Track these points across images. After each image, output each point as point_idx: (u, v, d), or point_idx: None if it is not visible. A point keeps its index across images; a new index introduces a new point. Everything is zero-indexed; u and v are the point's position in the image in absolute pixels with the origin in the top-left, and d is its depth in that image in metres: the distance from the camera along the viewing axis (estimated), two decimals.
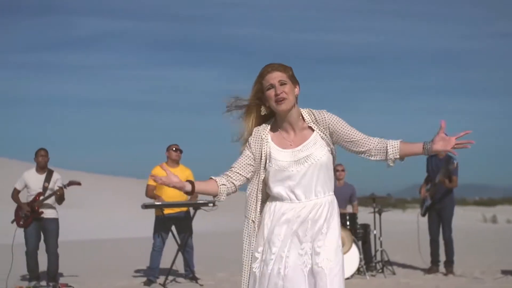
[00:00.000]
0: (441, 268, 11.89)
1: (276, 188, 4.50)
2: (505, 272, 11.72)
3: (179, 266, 11.48)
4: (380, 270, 11.61)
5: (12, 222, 10.66)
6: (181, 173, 11.18)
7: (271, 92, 4.43)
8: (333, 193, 4.58)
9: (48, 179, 10.54)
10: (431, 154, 4.44)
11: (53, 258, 10.48)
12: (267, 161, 4.52)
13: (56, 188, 10.45)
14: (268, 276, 4.39)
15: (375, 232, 11.93)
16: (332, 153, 4.55)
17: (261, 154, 4.54)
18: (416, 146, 4.46)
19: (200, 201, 10.86)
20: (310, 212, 4.46)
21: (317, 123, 4.51)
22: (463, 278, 11.25)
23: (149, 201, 10.97)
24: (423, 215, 12.07)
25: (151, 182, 11.11)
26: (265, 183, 4.57)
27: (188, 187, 4.48)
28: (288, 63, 4.55)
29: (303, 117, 4.54)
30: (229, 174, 4.60)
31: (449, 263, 11.70)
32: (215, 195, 4.58)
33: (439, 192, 11.77)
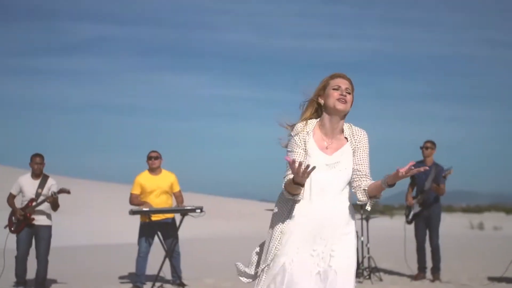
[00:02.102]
0: (428, 274, 11.91)
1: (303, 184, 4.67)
2: (491, 279, 11.76)
3: (166, 272, 11.46)
4: (368, 277, 11.61)
5: (5, 227, 10.63)
6: (165, 178, 11.15)
7: (335, 92, 4.73)
8: (349, 201, 4.86)
9: (42, 185, 10.48)
10: (388, 187, 4.70)
11: (43, 265, 10.43)
12: (306, 154, 4.73)
13: (49, 194, 10.40)
14: (277, 268, 4.63)
15: (362, 238, 11.93)
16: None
17: (305, 146, 4.74)
18: (379, 185, 4.75)
19: (188, 207, 10.84)
20: (326, 216, 4.69)
21: (353, 136, 4.80)
22: (450, 284, 11.28)
23: (136, 207, 10.94)
24: (410, 222, 12.09)
25: (135, 191, 11.07)
26: None
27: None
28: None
29: (342, 130, 4.81)
30: None
31: (436, 270, 11.72)
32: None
33: (428, 199, 11.81)
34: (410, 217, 12.00)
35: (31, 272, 10.60)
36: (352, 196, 4.91)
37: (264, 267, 4.71)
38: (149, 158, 11.12)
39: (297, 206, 4.71)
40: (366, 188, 4.78)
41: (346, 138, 4.80)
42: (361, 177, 4.78)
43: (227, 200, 48.32)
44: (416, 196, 11.96)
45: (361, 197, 4.81)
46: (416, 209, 11.89)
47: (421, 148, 11.91)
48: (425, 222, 11.87)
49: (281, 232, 4.69)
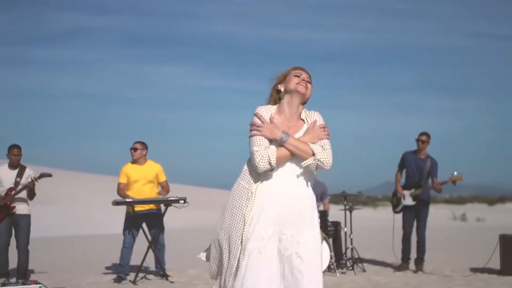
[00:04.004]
0: (411, 265, 11.95)
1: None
2: (474, 270, 11.83)
3: (150, 263, 11.45)
4: (351, 267, 11.65)
5: None
6: (150, 169, 11.14)
7: (296, 77, 4.85)
8: (311, 190, 4.87)
9: (20, 175, 10.45)
10: (282, 140, 4.71)
11: (23, 254, 10.39)
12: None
13: (28, 181, 10.36)
14: (247, 252, 4.61)
15: (345, 229, 11.97)
16: None
17: None
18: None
19: (172, 198, 10.84)
20: (291, 200, 4.71)
21: (308, 117, 4.90)
22: (432, 275, 11.33)
23: (119, 197, 10.93)
24: (398, 212, 12.02)
25: (122, 180, 11.06)
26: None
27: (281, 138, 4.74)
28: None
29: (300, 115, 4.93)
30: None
31: (419, 261, 11.76)
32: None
33: (425, 194, 11.83)
34: (400, 208, 11.96)
35: (12, 262, 10.55)
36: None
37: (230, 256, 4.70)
38: (130, 149, 11.12)
39: (261, 188, 4.73)
40: None
41: (303, 120, 4.91)
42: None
43: (211, 191, 48.28)
44: (407, 187, 11.92)
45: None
46: (409, 202, 11.84)
47: (417, 140, 11.87)
48: (414, 213, 11.87)
49: (243, 216, 4.69)
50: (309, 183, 4.83)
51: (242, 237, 4.66)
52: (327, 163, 4.73)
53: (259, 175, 4.73)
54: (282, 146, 4.68)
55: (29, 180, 10.35)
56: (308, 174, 4.81)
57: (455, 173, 11.51)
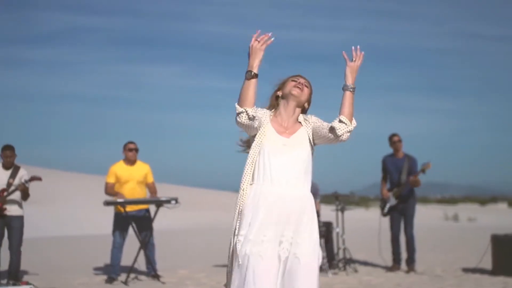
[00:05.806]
0: (403, 266, 11.95)
1: (263, 168, 4.77)
2: (466, 270, 11.84)
3: (141, 263, 11.41)
4: (343, 268, 11.62)
5: None
6: (139, 169, 11.12)
7: (292, 82, 4.92)
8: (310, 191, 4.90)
9: (13, 175, 10.36)
10: (352, 88, 4.82)
11: (16, 256, 10.30)
12: (263, 140, 4.81)
13: (21, 182, 10.29)
14: (246, 256, 4.60)
15: (337, 229, 11.94)
16: (312, 153, 4.93)
17: (262, 130, 4.83)
18: (343, 98, 4.83)
19: (163, 198, 10.80)
20: (291, 201, 4.73)
21: (305, 121, 4.93)
22: (424, 275, 11.32)
23: (110, 198, 10.89)
24: (386, 215, 12.08)
25: (110, 180, 11.02)
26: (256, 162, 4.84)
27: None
28: None
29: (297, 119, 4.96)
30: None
31: (410, 261, 11.76)
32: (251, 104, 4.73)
33: (404, 191, 11.85)
34: (386, 210, 12.02)
35: (3, 263, 10.49)
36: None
37: (232, 254, 4.76)
38: (130, 150, 11.06)
39: (259, 189, 4.75)
40: (338, 116, 4.82)
41: (300, 123, 4.93)
42: (331, 123, 4.84)
43: (202, 191, 48.25)
44: (391, 189, 11.98)
45: (339, 124, 4.79)
46: (392, 202, 11.91)
47: (392, 142, 11.97)
48: (400, 213, 11.90)
49: (240, 214, 4.75)
50: (307, 185, 4.87)
51: (235, 237, 4.72)
52: (348, 133, 4.79)
53: (253, 176, 4.79)
54: (349, 91, 4.79)
55: (21, 181, 10.28)
56: (306, 176, 4.86)
57: (417, 160, 11.91)
